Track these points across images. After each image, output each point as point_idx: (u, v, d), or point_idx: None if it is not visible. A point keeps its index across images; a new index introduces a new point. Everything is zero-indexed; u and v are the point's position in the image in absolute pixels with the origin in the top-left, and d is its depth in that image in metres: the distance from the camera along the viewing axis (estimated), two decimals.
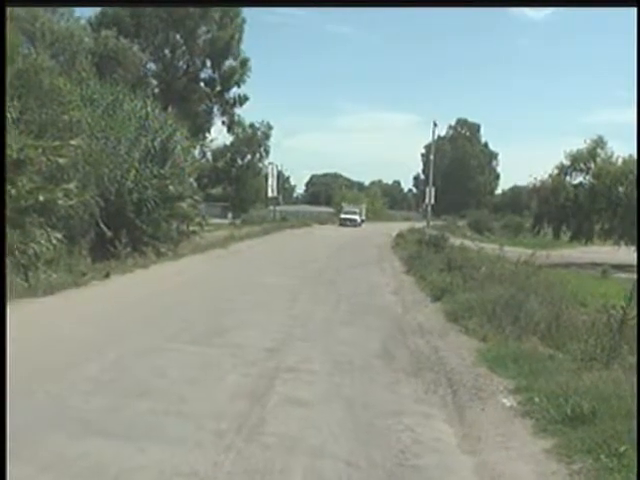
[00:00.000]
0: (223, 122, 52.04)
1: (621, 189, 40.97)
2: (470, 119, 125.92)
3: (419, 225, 48.36)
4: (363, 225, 65.45)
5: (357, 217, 66.64)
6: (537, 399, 6.50)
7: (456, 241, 27.76)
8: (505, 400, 6.80)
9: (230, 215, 68.95)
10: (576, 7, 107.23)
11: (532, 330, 9.85)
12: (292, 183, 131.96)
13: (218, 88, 49.52)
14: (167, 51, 47.91)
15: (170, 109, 25.31)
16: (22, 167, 13.41)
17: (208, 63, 48.78)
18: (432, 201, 52.06)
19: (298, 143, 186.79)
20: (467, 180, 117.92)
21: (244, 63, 48.95)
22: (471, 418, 6.34)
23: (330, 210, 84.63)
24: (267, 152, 73.64)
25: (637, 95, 27.77)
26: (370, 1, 32.30)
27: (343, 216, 66.20)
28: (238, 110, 52.11)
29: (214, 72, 48.96)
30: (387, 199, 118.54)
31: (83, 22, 41.31)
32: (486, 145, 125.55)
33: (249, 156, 72.92)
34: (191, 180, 26.08)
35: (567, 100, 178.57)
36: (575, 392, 6.32)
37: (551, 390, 6.61)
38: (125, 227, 19.36)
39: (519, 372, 7.63)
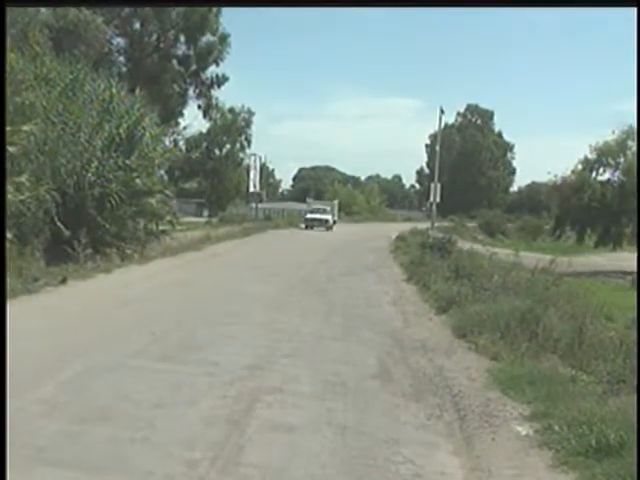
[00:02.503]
0: (199, 106, 52.03)
1: None
2: (482, 105, 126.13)
3: (422, 226, 48.33)
4: (335, 227, 60.06)
5: (328, 217, 60.76)
6: (556, 427, 6.51)
7: (465, 245, 27.78)
8: (520, 428, 6.81)
9: (206, 213, 69.03)
10: (576, 7, 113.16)
11: (551, 348, 9.88)
12: (277, 177, 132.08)
13: (193, 67, 49.39)
14: (136, 24, 47.80)
15: (138, 91, 25.11)
16: None
17: (182, 38, 48.64)
18: (437, 199, 52.17)
19: (284, 131, 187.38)
20: (478, 175, 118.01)
21: (223, 39, 48.86)
22: (480, 448, 6.34)
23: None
24: (249, 141, 73.77)
25: (637, 95, 28.66)
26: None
27: (309, 216, 60.41)
28: (216, 92, 52.11)
29: (189, 49, 48.82)
30: (386, 196, 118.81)
31: None
32: (500, 135, 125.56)
33: (228, 146, 73.01)
34: (161, 173, 26.12)
35: (594, 84, 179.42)
36: (600, 420, 6.32)
37: (573, 417, 6.62)
38: (85, 226, 19.28)
39: (536, 396, 7.65)
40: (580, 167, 44.07)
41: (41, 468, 5.21)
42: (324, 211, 62.59)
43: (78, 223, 19.23)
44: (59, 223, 18.68)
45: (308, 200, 76.15)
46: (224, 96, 58.30)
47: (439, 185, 52.29)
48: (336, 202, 76.25)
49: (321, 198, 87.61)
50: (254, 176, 64.09)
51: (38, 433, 5.93)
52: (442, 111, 53.94)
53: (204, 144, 68.89)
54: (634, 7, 9.81)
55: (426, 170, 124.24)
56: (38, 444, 5.67)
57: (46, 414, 6.43)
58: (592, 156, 43.85)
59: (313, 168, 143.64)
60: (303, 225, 58.63)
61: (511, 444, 6.43)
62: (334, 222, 62.57)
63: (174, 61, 49.21)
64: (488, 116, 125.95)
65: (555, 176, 45.52)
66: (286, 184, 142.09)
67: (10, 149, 14.63)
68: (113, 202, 20.44)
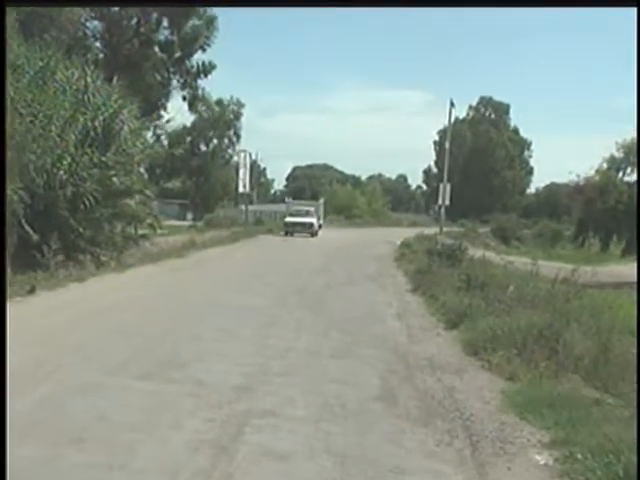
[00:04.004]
0: (183, 97, 51.97)
1: None
2: (496, 98, 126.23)
3: (430, 231, 48.52)
4: (321, 233, 56.92)
5: (312, 220, 56.21)
6: (579, 455, 6.50)
7: (477, 253, 27.80)
8: (538, 456, 6.80)
9: (190, 216, 69.12)
10: (576, 7, 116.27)
11: (573, 367, 9.87)
12: (269, 176, 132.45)
13: (177, 54, 49.33)
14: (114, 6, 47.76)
15: (116, 80, 25.22)
16: None
17: (165, 22, 48.66)
18: (447, 201, 52.29)
19: (277, 126, 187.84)
20: (491, 175, 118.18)
21: (210, 22, 48.78)
22: (495, 478, 6.33)
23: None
24: (238, 136, 74.01)
25: (637, 95, 29.06)
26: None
27: (290, 219, 56.29)
28: (202, 82, 52.09)
29: (172, 33, 48.73)
30: (389, 198, 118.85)
31: None
32: (516, 131, 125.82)
33: (215, 141, 73.16)
34: (141, 171, 26.05)
35: (620, 76, 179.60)
36: (629, 447, 6.32)
37: (598, 444, 6.61)
38: (56, 229, 19.28)
39: (556, 420, 7.65)
40: (605, 166, 44.06)
41: None
42: (307, 213, 58.09)
43: (48, 226, 19.21)
44: (27, 226, 18.66)
45: (287, 200, 73.67)
46: (212, 88, 58.44)
47: (448, 186, 52.40)
48: (321, 203, 72.32)
49: (317, 199, 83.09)
50: (244, 175, 63.95)
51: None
52: (452, 104, 54.17)
53: (188, 139, 68.94)
54: (634, 7, 10.41)
55: (434, 169, 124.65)
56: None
57: (15, 437, 6.41)
58: (619, 154, 43.85)
59: (309, 166, 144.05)
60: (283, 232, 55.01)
61: (529, 474, 6.42)
62: (319, 226, 59.24)
63: (156, 47, 49.12)
64: (503, 110, 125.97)
65: (577, 176, 45.47)
66: (279, 184, 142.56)
67: None
68: (87, 203, 20.44)
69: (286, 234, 53.95)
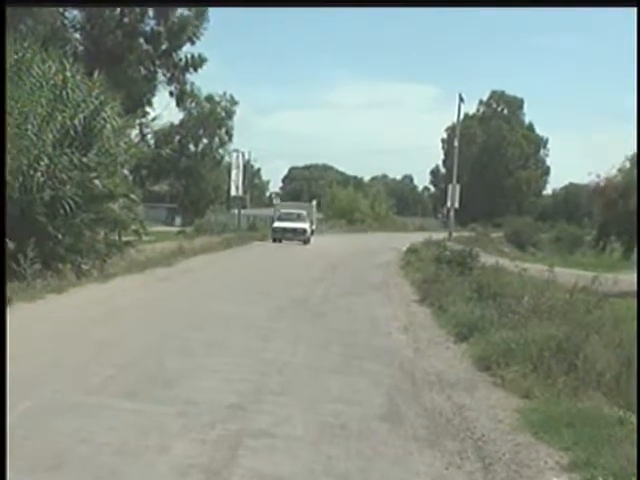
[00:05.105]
0: (171, 93, 52.19)
1: None
2: (509, 92, 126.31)
3: (438, 237, 48.42)
4: (312, 240, 53.80)
5: (304, 226, 53.24)
6: (601, 479, 6.50)
7: (489, 259, 27.83)
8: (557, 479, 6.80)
9: (179, 221, 69.08)
10: (576, 7, 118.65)
11: (594, 383, 9.86)
12: (264, 178, 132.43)
13: (164, 46, 49.44)
14: None
15: (98, 74, 25.03)
16: None
17: (151, 12, 48.72)
18: (456, 204, 52.47)
19: (273, 124, 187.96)
20: (504, 176, 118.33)
21: (200, 12, 48.88)
22: None
23: (317, 215, 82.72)
24: (230, 136, 73.89)
25: (637, 95, 29.62)
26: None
27: (278, 224, 53.40)
28: (192, 77, 52.19)
29: (159, 24, 48.90)
30: (394, 201, 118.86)
31: None
32: (531, 128, 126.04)
33: (205, 140, 73.11)
34: (125, 172, 26.04)
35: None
36: None
37: (621, 467, 6.62)
38: (34, 236, 19.24)
39: (576, 441, 7.65)
40: (628, 165, 43.97)
41: None
42: (298, 217, 54.63)
43: (25, 233, 19.15)
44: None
45: (276, 202, 73.10)
46: (203, 85, 58.49)
47: (458, 187, 52.60)
48: (313, 204, 68.89)
49: (317, 202, 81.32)
50: (236, 176, 64.05)
51: None
52: (461, 99, 54.39)
53: (177, 138, 68.89)
54: (634, 7, 10.81)
55: (442, 170, 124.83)
56: None
57: None
58: None
59: (307, 167, 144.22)
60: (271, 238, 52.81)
61: None
62: (312, 232, 56.33)
63: (141, 39, 49.21)
64: (516, 105, 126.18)
65: (598, 176, 45.38)
66: (275, 186, 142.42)
67: None
68: (67, 208, 20.40)
69: (274, 240, 51.67)
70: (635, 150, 42.77)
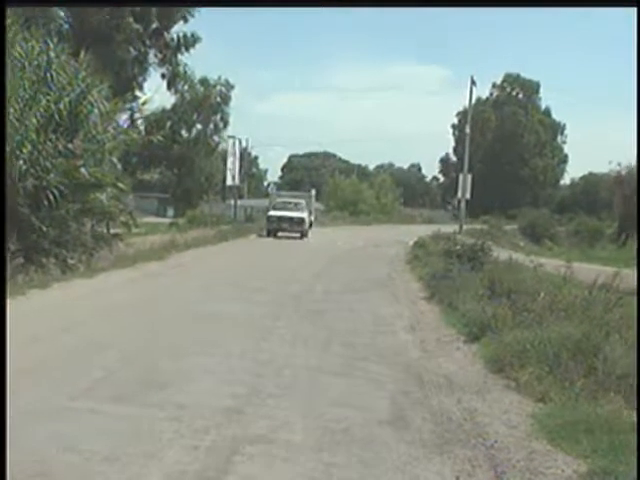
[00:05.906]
0: (162, 75, 52.11)
1: None
2: (524, 75, 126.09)
3: (448, 229, 48.38)
4: (312, 232, 52.66)
5: (302, 215, 51.11)
6: None
7: (502, 254, 27.80)
8: None
9: (171, 212, 69.14)
10: (576, 7, 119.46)
11: (614, 386, 9.85)
12: (262, 166, 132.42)
13: (155, 25, 49.33)
14: None
15: (84, 55, 24.98)
16: None
17: None
18: (467, 195, 52.36)
19: (271, 109, 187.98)
20: (519, 164, 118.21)
21: None
22: None
23: (317, 206, 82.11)
24: (225, 122, 73.71)
25: (637, 96, 29.92)
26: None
27: (273, 213, 51.48)
28: (184, 58, 52.09)
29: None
30: (401, 191, 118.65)
31: None
32: (548, 113, 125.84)
33: (199, 126, 72.93)
34: (114, 160, 26.00)
35: None
36: None
37: None
38: (15, 228, 19.26)
39: (594, 448, 7.64)
40: None
41: None
42: (296, 206, 52.69)
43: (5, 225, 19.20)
44: None
45: (271, 192, 71.94)
46: (197, 67, 58.38)
47: (469, 177, 52.46)
48: (312, 194, 66.20)
49: (318, 192, 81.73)
50: (232, 165, 63.89)
51: None
52: (473, 82, 54.21)
53: (168, 124, 68.70)
54: (634, 7, 11.59)
55: (453, 158, 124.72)
56: None
57: None
58: None
59: (308, 155, 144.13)
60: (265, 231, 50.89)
61: None
62: (311, 223, 55.21)
63: (130, 17, 49.03)
64: (533, 89, 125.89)
65: (618, 165, 45.53)
66: (273, 175, 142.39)
67: None
68: (51, 198, 20.41)
69: (269, 234, 49.75)
70: None
